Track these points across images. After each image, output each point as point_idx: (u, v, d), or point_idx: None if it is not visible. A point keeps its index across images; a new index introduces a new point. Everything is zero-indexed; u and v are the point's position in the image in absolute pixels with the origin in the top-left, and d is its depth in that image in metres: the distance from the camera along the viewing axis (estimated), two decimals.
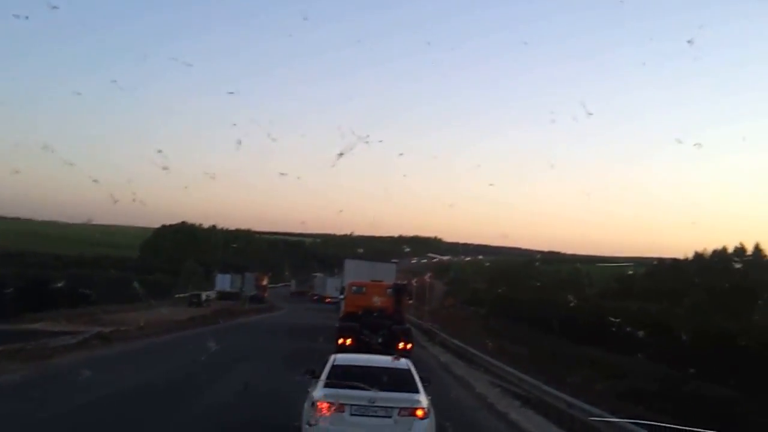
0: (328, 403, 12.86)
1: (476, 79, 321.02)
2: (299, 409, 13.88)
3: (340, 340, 32.44)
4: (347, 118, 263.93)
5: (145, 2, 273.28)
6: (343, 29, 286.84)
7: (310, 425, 12.91)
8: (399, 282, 41.73)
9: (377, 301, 37.40)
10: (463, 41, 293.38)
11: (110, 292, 72.80)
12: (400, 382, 13.67)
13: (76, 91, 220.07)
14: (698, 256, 79.56)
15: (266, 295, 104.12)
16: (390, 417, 12.84)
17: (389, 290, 37.81)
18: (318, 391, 13.30)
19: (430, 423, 13.05)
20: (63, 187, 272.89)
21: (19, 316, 54.34)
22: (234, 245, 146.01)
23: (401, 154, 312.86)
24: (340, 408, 12.81)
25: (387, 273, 44.42)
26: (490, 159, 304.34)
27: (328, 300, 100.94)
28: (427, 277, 63.63)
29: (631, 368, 35.19)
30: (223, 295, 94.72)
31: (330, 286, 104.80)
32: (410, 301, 51.08)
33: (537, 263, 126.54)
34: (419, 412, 12.91)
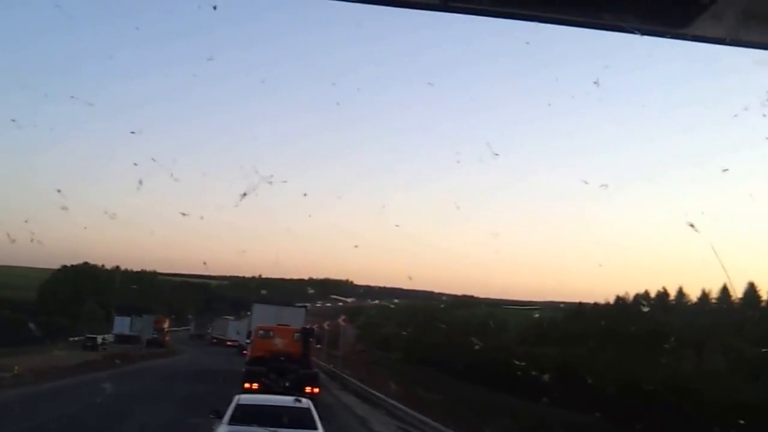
0: None
1: (381, 118, 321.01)
2: None
3: (246, 385, 31.64)
4: (251, 158, 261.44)
5: (46, 38, 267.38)
6: (248, 69, 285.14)
7: None
8: (306, 326, 41.38)
9: (284, 345, 37.13)
10: (367, 80, 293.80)
11: (2, 336, 69.38)
12: (301, 420, 14.89)
13: None
14: (619, 301, 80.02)
15: (167, 339, 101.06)
16: None
17: (296, 335, 37.84)
18: (222, 429, 14.24)
19: None
20: None
21: None
22: (136, 287, 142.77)
23: (305, 195, 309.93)
24: None
25: (295, 317, 44.37)
26: (396, 199, 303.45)
27: (229, 343, 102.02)
28: (341, 320, 62.33)
29: (543, 415, 34.69)
30: (121, 339, 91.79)
31: (231, 329, 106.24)
32: (318, 346, 51.28)
33: (444, 306, 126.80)
34: None
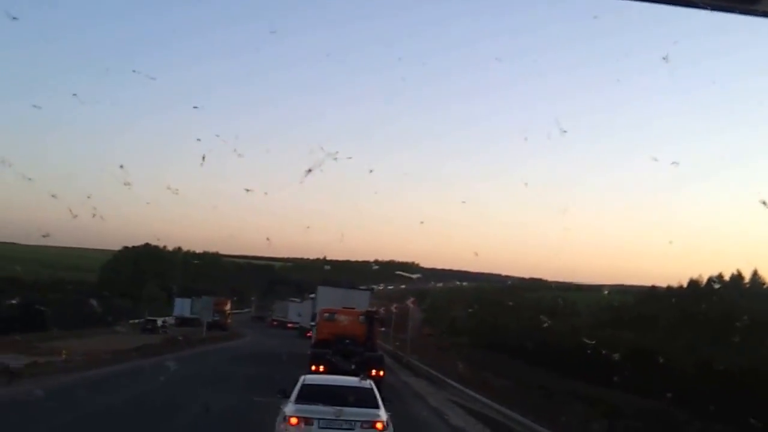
0: (297, 417, 14.94)
1: (448, 95, 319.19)
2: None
3: (313, 367, 32.22)
4: (316, 134, 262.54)
5: (108, 14, 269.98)
6: (312, 43, 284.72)
7: None
8: (371, 309, 41.43)
9: (349, 328, 37.71)
10: (435, 57, 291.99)
11: (64, 318, 69.89)
12: (363, 399, 15.85)
13: (35, 105, 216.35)
14: (693, 283, 78.19)
15: (229, 321, 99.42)
16: (353, 429, 14.92)
17: (361, 317, 38.31)
18: (289, 407, 15.35)
19: None
20: (20, 203, 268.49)
21: None
22: (198, 267, 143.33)
23: (371, 171, 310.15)
24: (309, 421, 14.86)
25: (360, 300, 44.33)
26: (463, 177, 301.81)
27: (289, 326, 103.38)
28: (410, 302, 61.45)
29: (619, 401, 33.94)
30: (182, 321, 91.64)
31: (292, 312, 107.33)
32: (382, 329, 51.68)
33: (512, 289, 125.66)
34: (378, 425, 15.10)
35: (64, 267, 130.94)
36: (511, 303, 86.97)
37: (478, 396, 30.87)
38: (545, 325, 54.63)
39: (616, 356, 36.66)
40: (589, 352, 40.22)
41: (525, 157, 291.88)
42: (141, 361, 44.29)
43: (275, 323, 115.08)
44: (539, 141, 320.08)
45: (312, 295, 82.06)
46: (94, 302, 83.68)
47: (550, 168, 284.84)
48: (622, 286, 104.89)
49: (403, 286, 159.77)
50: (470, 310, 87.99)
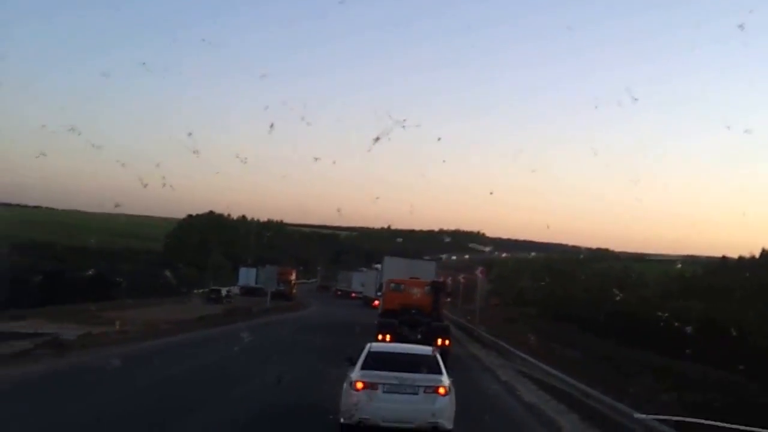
0: (363, 382, 15.68)
1: (517, 63, 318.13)
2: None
3: (380, 336, 33.20)
4: (383, 102, 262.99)
5: None
6: (379, 10, 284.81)
7: (348, 398, 15.75)
8: (437, 280, 42.23)
9: (415, 298, 38.41)
10: (505, 24, 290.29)
11: (133, 287, 71.22)
12: (426, 365, 16.50)
13: (104, 73, 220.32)
14: (765, 253, 76.97)
15: (294, 291, 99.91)
16: (417, 394, 15.61)
17: (427, 288, 38.93)
18: (355, 373, 16.06)
19: (450, 399, 15.87)
20: (90, 170, 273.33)
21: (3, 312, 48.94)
22: (261, 233, 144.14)
23: (439, 139, 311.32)
24: (374, 386, 15.61)
25: (426, 270, 44.88)
26: (532, 146, 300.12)
27: (353, 295, 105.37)
28: (478, 272, 61.44)
29: (689, 373, 33.70)
30: (247, 291, 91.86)
31: (356, 282, 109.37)
32: (448, 299, 52.77)
33: (581, 259, 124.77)
34: (441, 390, 15.74)
35: (131, 235, 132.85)
36: (582, 276, 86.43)
37: (547, 368, 30.83)
38: (617, 298, 54.40)
39: (689, 329, 36.38)
40: (661, 324, 40.07)
41: (596, 125, 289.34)
42: (200, 332, 44.67)
43: (339, 293, 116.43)
44: (610, 109, 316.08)
45: (377, 265, 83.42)
46: (168, 273, 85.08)
47: (621, 137, 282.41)
48: (691, 257, 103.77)
49: (466, 256, 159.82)
50: (542, 283, 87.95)
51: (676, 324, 37.97)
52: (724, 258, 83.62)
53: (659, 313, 41.10)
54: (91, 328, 37.65)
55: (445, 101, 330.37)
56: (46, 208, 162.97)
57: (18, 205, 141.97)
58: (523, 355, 35.95)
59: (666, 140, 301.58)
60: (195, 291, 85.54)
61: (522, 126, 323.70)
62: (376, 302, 66.06)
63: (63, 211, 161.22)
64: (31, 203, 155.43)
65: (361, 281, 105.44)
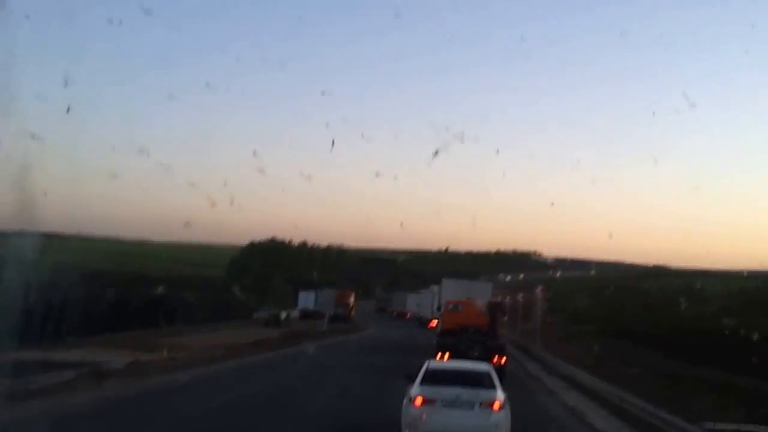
0: (422, 397, 16.25)
1: (572, 70, 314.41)
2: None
3: (439, 355, 33.96)
4: (441, 117, 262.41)
5: (234, 3, 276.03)
6: (435, 26, 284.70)
7: (408, 414, 16.31)
8: (494, 300, 44.49)
9: (472, 318, 39.15)
10: (559, 37, 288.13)
11: (193, 314, 70.94)
12: (481, 381, 17.13)
13: (169, 95, 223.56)
14: None
15: (352, 314, 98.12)
16: (473, 409, 16.16)
17: (484, 308, 40.38)
18: (415, 389, 16.64)
19: (505, 414, 16.30)
20: (160, 192, 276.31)
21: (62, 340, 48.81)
22: (321, 257, 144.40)
23: (498, 152, 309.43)
24: (432, 401, 16.16)
25: (482, 291, 46.29)
26: (590, 156, 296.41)
27: (408, 316, 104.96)
28: (538, 290, 60.50)
29: (752, 387, 31.85)
30: (306, 314, 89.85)
31: (410, 303, 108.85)
32: (504, 318, 53.32)
33: (642, 277, 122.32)
34: (496, 405, 16.24)
35: (196, 263, 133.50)
36: (641, 293, 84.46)
37: (600, 381, 29.82)
38: (683, 307, 52.84)
39: (756, 335, 34.96)
40: (726, 334, 38.47)
41: (654, 133, 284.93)
42: (254, 358, 42.53)
43: (395, 314, 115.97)
44: (667, 115, 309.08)
45: (433, 287, 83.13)
46: (236, 290, 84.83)
47: (680, 144, 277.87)
48: (756, 272, 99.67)
49: (521, 276, 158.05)
50: (604, 293, 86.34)
51: (742, 334, 36.28)
52: None
53: (725, 329, 39.34)
54: (140, 356, 35.78)
55: (501, 116, 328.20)
56: (115, 239, 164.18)
57: (88, 237, 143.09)
58: (577, 370, 35.94)
59: (726, 145, 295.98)
60: (254, 315, 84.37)
61: (581, 137, 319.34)
62: (432, 323, 70.32)
63: (132, 242, 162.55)
64: (101, 234, 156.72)
65: (416, 302, 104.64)
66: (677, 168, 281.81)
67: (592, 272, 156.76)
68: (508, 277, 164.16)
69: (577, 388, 31.50)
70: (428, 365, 18.15)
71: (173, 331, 59.42)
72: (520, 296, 78.54)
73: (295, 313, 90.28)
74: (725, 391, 31.73)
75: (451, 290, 47.31)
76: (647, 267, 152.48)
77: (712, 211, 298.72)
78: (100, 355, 38.36)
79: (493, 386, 16.99)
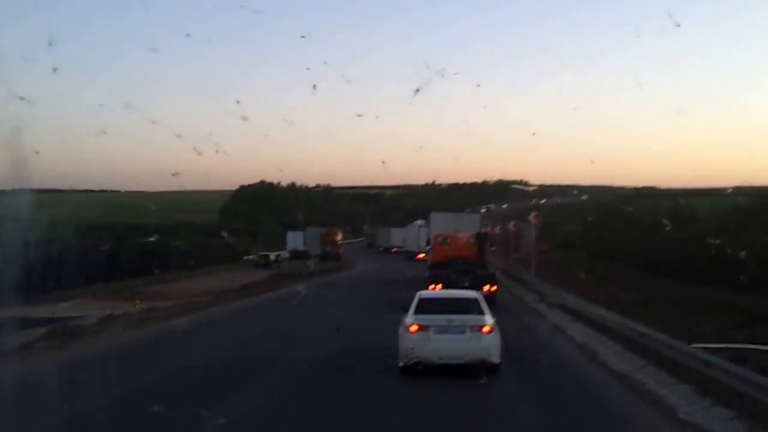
0: (417, 325, 17.11)
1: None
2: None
3: (431, 286, 33.70)
4: (421, 53, 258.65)
5: None
6: None
7: (404, 341, 17.12)
8: (481, 231, 45.20)
9: (462, 249, 40.03)
10: None
11: (186, 259, 69.51)
12: (471, 307, 17.95)
13: (151, 48, 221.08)
14: None
15: (341, 252, 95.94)
16: (464, 333, 17.05)
17: (472, 239, 41.08)
18: (409, 318, 17.50)
19: (494, 336, 17.18)
20: (148, 145, 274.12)
21: (50, 294, 44.39)
22: (310, 198, 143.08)
23: (479, 86, 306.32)
24: (426, 328, 17.00)
25: (470, 223, 48.06)
26: (572, 83, 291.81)
27: (393, 250, 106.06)
28: (531, 217, 58.69)
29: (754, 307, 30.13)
30: (296, 254, 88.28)
31: (395, 237, 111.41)
32: (492, 248, 53.34)
33: (631, 198, 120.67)
34: (485, 329, 17.11)
35: (188, 210, 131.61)
36: (630, 209, 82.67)
37: (597, 308, 28.95)
38: (667, 228, 53.26)
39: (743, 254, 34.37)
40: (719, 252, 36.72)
41: (637, 55, 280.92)
42: (238, 303, 40.35)
43: (381, 249, 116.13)
44: (651, 37, 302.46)
45: (418, 222, 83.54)
46: (224, 234, 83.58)
47: (665, 66, 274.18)
48: (742, 187, 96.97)
49: (504, 206, 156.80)
50: (589, 219, 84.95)
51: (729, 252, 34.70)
52: None
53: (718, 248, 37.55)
54: (125, 307, 34.89)
55: (481, 47, 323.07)
56: (111, 191, 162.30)
57: (83, 191, 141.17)
58: (581, 300, 33.95)
59: (711, 66, 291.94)
60: (245, 258, 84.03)
61: (562, 64, 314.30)
62: (419, 255, 75.24)
63: (126, 192, 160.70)
64: (96, 188, 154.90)
65: (402, 237, 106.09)
66: (661, 91, 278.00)
67: (585, 197, 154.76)
68: (496, 207, 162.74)
69: (582, 321, 28.95)
70: (420, 296, 18.85)
71: (165, 278, 59.62)
72: (511, 224, 76.42)
73: (286, 254, 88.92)
74: (728, 313, 30.14)
75: (439, 223, 48.39)
76: (636, 188, 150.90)
77: (697, 132, 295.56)
78: (85, 308, 37.25)
79: (482, 312, 17.85)
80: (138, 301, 36.72)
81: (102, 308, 35.16)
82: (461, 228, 43.84)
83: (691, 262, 44.17)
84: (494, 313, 18.35)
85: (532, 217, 53.29)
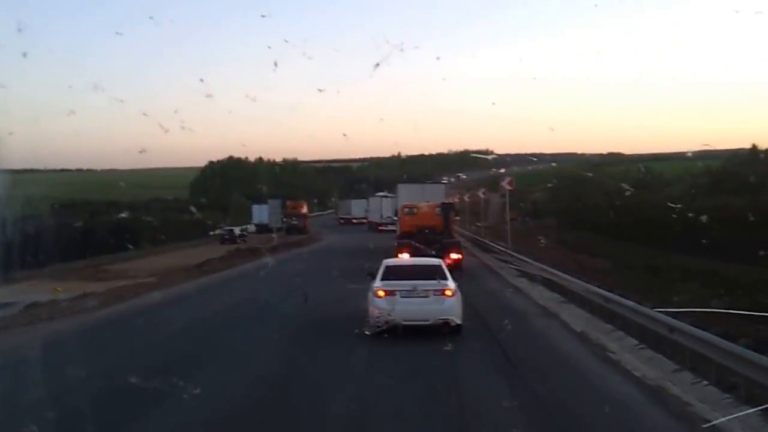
0: (384, 290, 18.09)
1: None
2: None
3: (399, 255, 34.11)
4: (380, 28, 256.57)
5: None
6: None
7: (373, 305, 18.04)
8: (446, 201, 45.08)
9: (428, 219, 40.20)
10: None
11: (155, 235, 69.42)
12: (434, 273, 18.93)
13: (117, 32, 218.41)
14: None
15: (307, 224, 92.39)
16: (428, 297, 18.04)
17: (438, 209, 41.06)
18: (377, 283, 18.48)
19: (456, 299, 18.21)
20: (117, 125, 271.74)
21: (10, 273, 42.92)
22: (277, 172, 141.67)
23: (438, 58, 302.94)
24: (392, 293, 18.00)
25: (436, 193, 47.64)
26: (532, 53, 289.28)
27: (354, 221, 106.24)
28: (505, 182, 57.55)
29: (734, 275, 29.29)
30: (261, 228, 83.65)
31: (356, 209, 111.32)
32: (457, 218, 54.72)
33: (598, 165, 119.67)
34: (448, 292, 18.11)
35: (158, 186, 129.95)
36: (590, 174, 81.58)
37: (568, 276, 26.71)
38: (627, 193, 53.63)
39: (704, 218, 31.40)
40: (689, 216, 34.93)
41: (596, 24, 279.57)
42: (187, 284, 34.99)
43: (342, 221, 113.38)
44: (611, 4, 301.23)
45: (379, 194, 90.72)
46: (192, 209, 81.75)
47: (624, 34, 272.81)
48: (709, 151, 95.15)
49: (465, 176, 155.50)
50: (549, 185, 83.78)
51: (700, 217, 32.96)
52: (754, 148, 72.94)
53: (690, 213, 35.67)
54: (42, 297, 30.21)
55: (438, 19, 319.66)
56: (87, 170, 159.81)
57: (59, 170, 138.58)
58: (538, 264, 32.81)
59: (671, 29, 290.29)
60: (211, 233, 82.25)
61: (521, 34, 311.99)
62: (380, 227, 79.19)
63: (101, 171, 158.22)
64: (72, 167, 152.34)
65: (363, 208, 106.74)
66: (621, 59, 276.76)
67: (554, 164, 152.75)
68: (464, 176, 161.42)
69: (574, 301, 24.28)
70: (386, 263, 19.94)
71: (133, 255, 58.17)
72: (481, 192, 74.37)
73: (252, 228, 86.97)
74: (707, 280, 28.70)
75: (406, 194, 48.55)
76: (602, 155, 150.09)
77: (657, 98, 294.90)
78: (34, 292, 33.62)
79: (444, 277, 18.82)
80: (58, 288, 30.92)
81: (48, 291, 31.86)
82: (427, 198, 44.18)
83: (661, 228, 42.50)
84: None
85: (506, 182, 51.28)
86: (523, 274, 34.37)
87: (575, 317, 21.61)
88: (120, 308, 27.24)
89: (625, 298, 19.68)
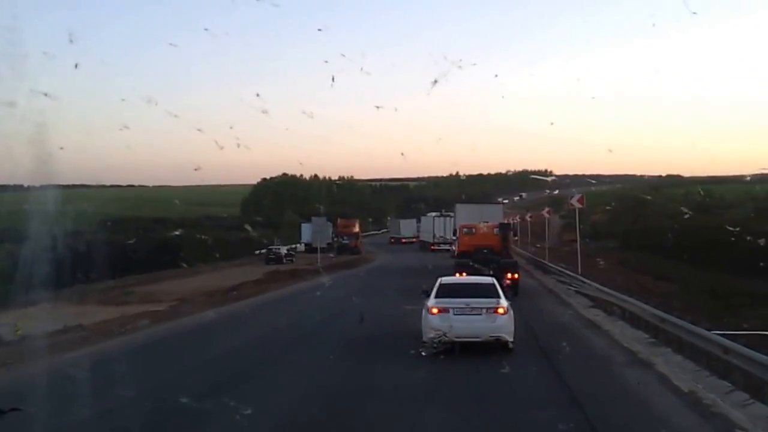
0: (438, 307, 18.86)
1: None
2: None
3: (457, 275, 33.46)
4: (439, 44, 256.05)
5: None
6: None
7: (426, 322, 18.72)
8: (504, 221, 46.19)
9: (486, 239, 40.57)
10: None
11: (201, 253, 67.09)
12: (487, 291, 19.56)
13: (171, 43, 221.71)
14: None
15: (358, 244, 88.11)
16: (480, 314, 18.64)
17: (496, 229, 41.71)
18: (431, 301, 19.27)
19: (509, 317, 18.74)
20: (170, 140, 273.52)
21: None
22: (333, 190, 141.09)
23: (497, 76, 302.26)
24: (446, 310, 18.72)
25: (494, 214, 47.64)
26: (590, 72, 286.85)
27: (403, 241, 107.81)
28: (545, 212, 57.06)
29: None
30: (311, 248, 78.01)
31: (405, 229, 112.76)
32: (516, 238, 55.05)
33: (658, 187, 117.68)
34: (500, 310, 18.73)
35: (211, 203, 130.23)
36: (649, 197, 79.99)
37: (632, 299, 25.87)
38: (686, 216, 52.86)
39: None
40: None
41: (654, 43, 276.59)
42: (202, 314, 30.68)
43: (392, 240, 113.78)
44: (668, 24, 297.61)
45: (431, 214, 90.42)
46: (248, 227, 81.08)
47: (681, 52, 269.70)
48: (762, 174, 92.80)
49: (523, 195, 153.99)
50: (608, 207, 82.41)
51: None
52: None
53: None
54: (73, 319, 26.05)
55: (498, 38, 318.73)
56: (139, 186, 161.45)
57: (111, 186, 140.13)
58: (598, 286, 32.04)
59: (729, 53, 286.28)
60: (256, 252, 79.08)
61: (579, 53, 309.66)
62: (433, 246, 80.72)
63: (153, 187, 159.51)
64: (123, 183, 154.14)
65: (413, 228, 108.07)
66: (679, 79, 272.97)
67: (618, 186, 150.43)
68: (523, 195, 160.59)
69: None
70: (440, 281, 20.42)
71: (162, 276, 57.11)
72: (545, 211, 72.71)
73: (301, 247, 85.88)
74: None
75: (464, 214, 49.48)
76: (660, 177, 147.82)
77: (714, 118, 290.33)
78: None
79: (497, 295, 19.29)
80: (18, 326, 24.39)
81: (67, 315, 25.83)
82: (485, 218, 44.22)
83: (722, 251, 41.42)
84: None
85: (575, 199, 49.49)
86: (597, 304, 30.16)
87: (676, 368, 16.55)
88: (90, 351, 21.04)
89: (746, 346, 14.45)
